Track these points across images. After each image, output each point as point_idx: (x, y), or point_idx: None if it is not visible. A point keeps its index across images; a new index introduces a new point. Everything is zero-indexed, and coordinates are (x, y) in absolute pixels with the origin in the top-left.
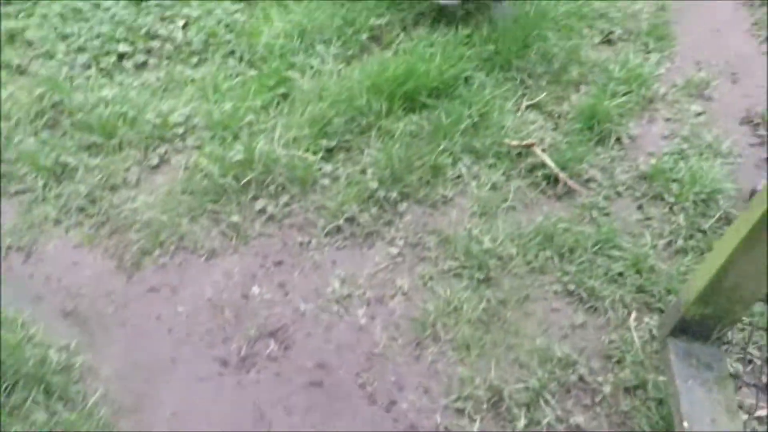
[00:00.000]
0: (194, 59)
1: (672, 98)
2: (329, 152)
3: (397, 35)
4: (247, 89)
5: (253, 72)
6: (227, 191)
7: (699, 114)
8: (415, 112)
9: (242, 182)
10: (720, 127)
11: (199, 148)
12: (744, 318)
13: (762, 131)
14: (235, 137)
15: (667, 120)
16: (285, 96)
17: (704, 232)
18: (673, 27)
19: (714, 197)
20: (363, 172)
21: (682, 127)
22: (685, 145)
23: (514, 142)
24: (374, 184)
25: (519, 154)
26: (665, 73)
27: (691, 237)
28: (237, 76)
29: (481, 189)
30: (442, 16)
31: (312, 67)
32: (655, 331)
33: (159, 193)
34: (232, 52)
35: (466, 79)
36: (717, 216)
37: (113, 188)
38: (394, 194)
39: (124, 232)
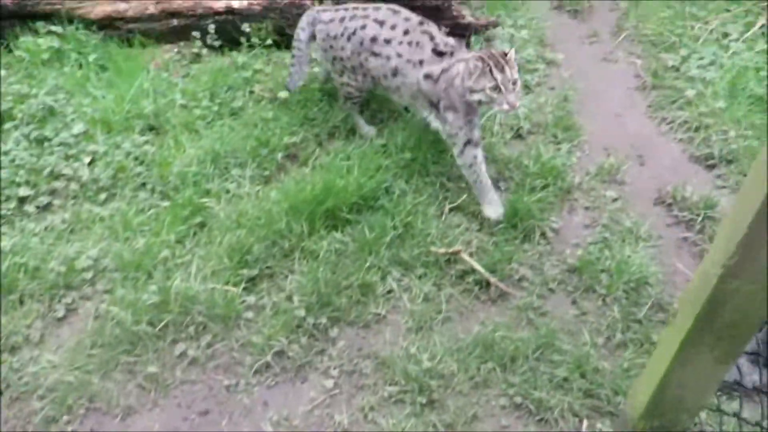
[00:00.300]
0: (102, 196)
1: (587, 186)
2: (252, 281)
3: (313, 151)
4: (160, 222)
5: (166, 203)
6: (142, 338)
7: (615, 200)
8: (337, 229)
9: (159, 327)
10: (636, 210)
11: (109, 292)
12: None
13: (675, 211)
14: (149, 276)
15: (587, 209)
16: (201, 225)
17: (640, 321)
18: (577, 117)
19: (643, 284)
20: (289, 299)
21: (601, 215)
22: (607, 233)
23: (441, 250)
24: (302, 312)
25: (448, 261)
26: (577, 162)
27: (628, 329)
28: (149, 209)
29: (414, 302)
30: (355, 130)
31: (228, 192)
32: None
33: (65, 349)
34: (143, 185)
35: (387, 190)
36: (649, 303)
37: (13, 349)
38: (323, 320)
39: (27, 399)
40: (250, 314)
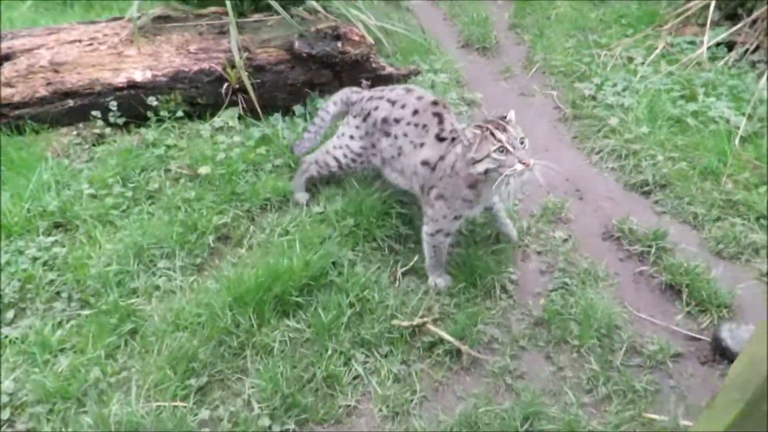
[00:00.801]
0: (10, 314)
1: (536, 230)
2: (202, 392)
3: (247, 229)
4: (84, 336)
5: (87, 312)
6: None
7: (565, 240)
8: (289, 316)
9: None
10: (588, 249)
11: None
12: None
13: (626, 245)
14: (80, 405)
15: (539, 254)
16: (133, 333)
17: (618, 369)
18: None
19: (612, 328)
20: (248, 406)
21: (555, 259)
22: (565, 278)
23: (405, 323)
24: (266, 420)
25: (413, 333)
26: (521, 205)
27: (608, 380)
28: (69, 321)
29: (384, 385)
30: (288, 198)
31: (158, 289)
32: None
33: None
34: (58, 294)
35: (334, 264)
36: (624, 348)
37: None
38: (291, 425)
39: None
40: (206, 431)
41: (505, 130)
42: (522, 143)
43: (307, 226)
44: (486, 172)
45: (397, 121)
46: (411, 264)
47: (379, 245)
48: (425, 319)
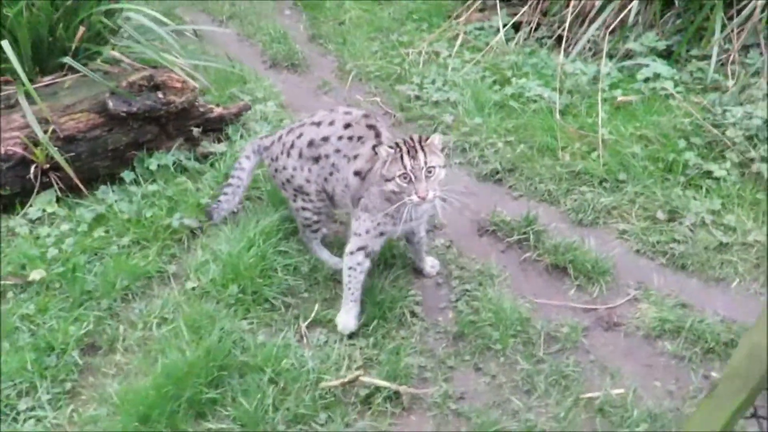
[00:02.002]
0: None
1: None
2: None
3: (116, 330)
4: None
5: None
6: None
7: (448, 247)
8: (207, 417)
9: None
10: (471, 249)
11: None
12: None
13: (503, 237)
14: None
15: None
16: None
17: (543, 360)
18: None
19: (524, 321)
20: None
21: (447, 269)
22: (464, 285)
23: (335, 382)
24: None
25: (344, 390)
26: None
27: (540, 373)
28: None
29: None
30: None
31: None
32: None
33: None
34: None
35: (235, 342)
36: (542, 338)
37: None
38: None
39: None
40: None
41: (415, 156)
42: (430, 172)
43: (185, 308)
44: (393, 193)
45: (325, 139)
46: (312, 315)
47: (272, 305)
48: (356, 373)
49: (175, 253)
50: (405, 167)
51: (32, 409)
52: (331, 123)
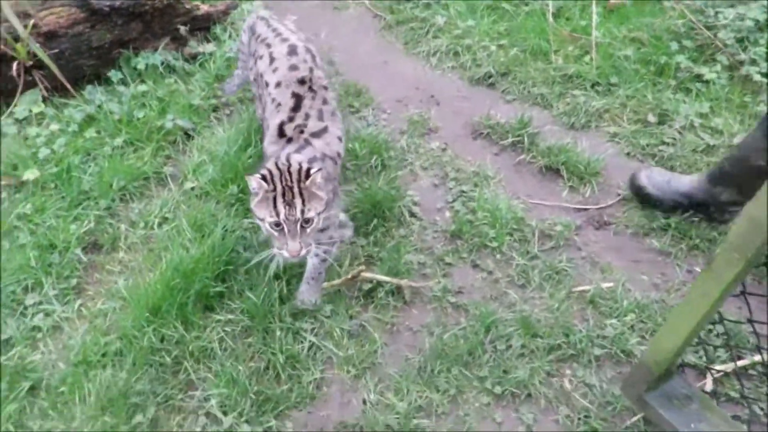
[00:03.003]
0: None
1: (413, 146)
2: (155, 425)
3: (117, 229)
4: None
5: None
6: None
7: (443, 149)
8: (215, 310)
9: None
10: (465, 152)
11: None
12: None
13: (496, 139)
14: None
15: (425, 169)
16: (33, 390)
17: (536, 257)
18: (354, 78)
19: (518, 220)
20: (215, 420)
21: (442, 170)
22: (461, 186)
23: (338, 281)
24: (244, 427)
25: (351, 289)
26: (389, 126)
27: (534, 269)
28: None
29: (342, 346)
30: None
31: (39, 329)
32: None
33: None
34: None
35: (237, 240)
36: (536, 236)
37: None
38: (271, 422)
39: None
40: None
41: (291, 202)
42: (306, 223)
43: (185, 207)
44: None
45: (267, 84)
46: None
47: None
48: (358, 268)
49: (170, 155)
50: (278, 215)
51: (39, 303)
52: (275, 71)
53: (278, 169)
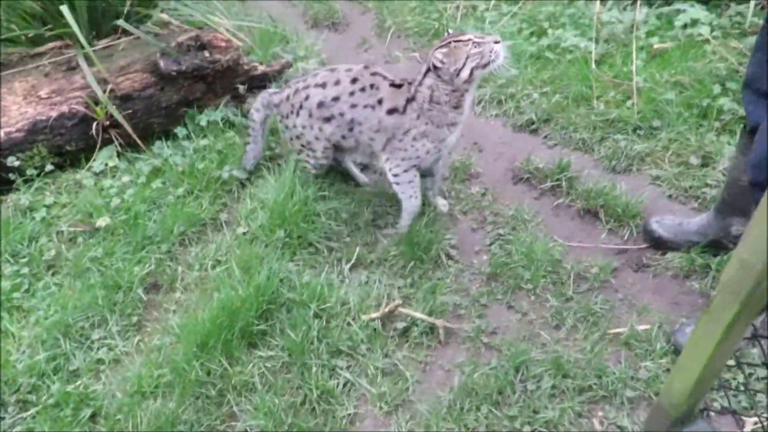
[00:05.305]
0: None
1: (454, 191)
2: None
3: (175, 271)
4: None
5: (33, 411)
6: None
7: (483, 194)
8: (258, 347)
9: None
10: (505, 196)
11: None
12: None
13: (536, 183)
14: None
15: (465, 213)
16: (94, 417)
17: (571, 298)
18: None
19: (555, 262)
20: None
21: (481, 214)
22: (498, 230)
23: (375, 314)
24: None
25: (384, 324)
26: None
27: (568, 310)
28: (14, 428)
29: (376, 383)
30: (205, 225)
31: (102, 362)
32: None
33: None
34: None
35: (282, 280)
36: (572, 278)
37: None
38: None
39: None
40: None
41: (462, 35)
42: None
43: (237, 251)
44: (471, 73)
45: (336, 99)
46: (354, 257)
47: (316, 248)
48: (395, 302)
49: (226, 202)
50: (470, 39)
51: (104, 338)
52: (337, 82)
53: (437, 46)
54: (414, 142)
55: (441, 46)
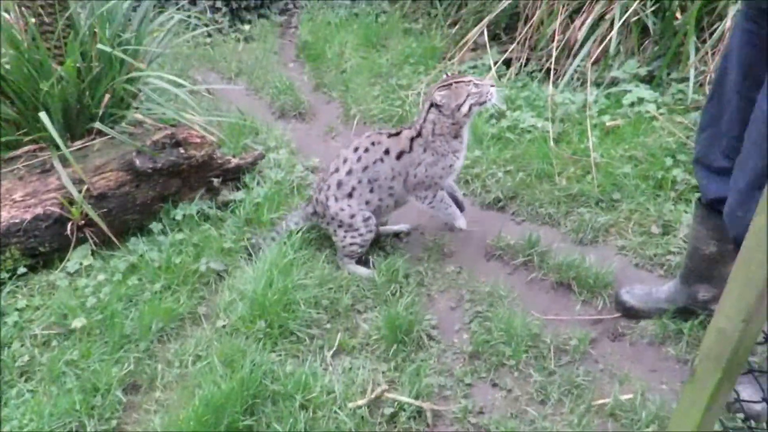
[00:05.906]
0: None
1: (430, 271)
2: None
3: (154, 369)
4: None
5: None
6: None
7: (458, 272)
8: None
9: None
10: (480, 273)
11: None
12: None
13: (508, 260)
14: None
15: (442, 292)
16: None
17: (554, 372)
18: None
19: (534, 337)
20: None
21: (458, 293)
22: (476, 307)
23: (362, 401)
24: None
25: (371, 411)
26: (408, 254)
27: (551, 384)
28: None
29: None
30: (183, 320)
31: None
32: None
33: None
34: None
35: (265, 373)
36: (552, 351)
37: None
38: None
39: None
40: None
41: (463, 77)
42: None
43: (217, 344)
44: (470, 108)
45: (349, 173)
46: (336, 345)
47: (297, 337)
48: (382, 388)
49: (204, 295)
50: (470, 80)
51: None
52: (345, 161)
53: (436, 87)
54: (427, 170)
55: (441, 87)
